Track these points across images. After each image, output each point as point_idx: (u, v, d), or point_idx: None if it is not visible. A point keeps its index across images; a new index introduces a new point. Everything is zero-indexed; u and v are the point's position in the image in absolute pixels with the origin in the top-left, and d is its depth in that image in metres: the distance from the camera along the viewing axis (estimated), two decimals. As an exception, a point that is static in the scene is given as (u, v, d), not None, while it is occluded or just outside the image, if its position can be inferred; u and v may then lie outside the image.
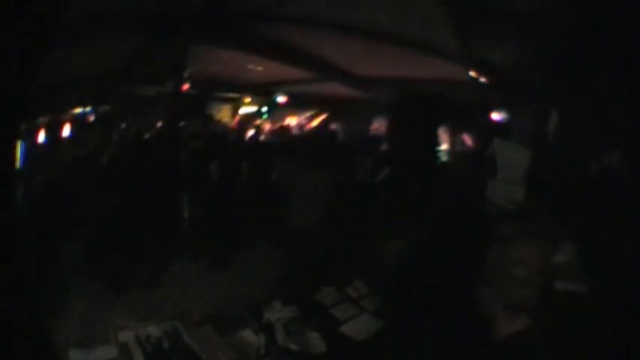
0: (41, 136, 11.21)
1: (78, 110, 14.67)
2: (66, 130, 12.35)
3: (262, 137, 12.23)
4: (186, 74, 11.90)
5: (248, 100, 19.52)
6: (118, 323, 3.79)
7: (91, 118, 14.79)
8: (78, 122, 13.34)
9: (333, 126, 15.17)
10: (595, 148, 5.66)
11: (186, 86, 12.02)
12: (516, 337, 2.29)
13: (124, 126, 14.05)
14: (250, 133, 13.59)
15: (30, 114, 11.27)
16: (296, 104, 19.42)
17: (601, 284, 4.31)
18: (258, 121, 16.58)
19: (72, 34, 8.71)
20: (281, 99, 18.58)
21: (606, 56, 5.40)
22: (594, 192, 5.60)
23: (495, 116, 11.70)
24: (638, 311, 3.58)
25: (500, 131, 9.88)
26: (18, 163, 8.48)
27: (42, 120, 11.97)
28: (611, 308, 4.07)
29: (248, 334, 4.03)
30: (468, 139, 12.55)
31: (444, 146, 13.09)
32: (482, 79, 9.55)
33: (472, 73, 9.65)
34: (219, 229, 9.23)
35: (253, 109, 19.65)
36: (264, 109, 19.53)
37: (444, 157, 12.34)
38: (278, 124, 15.67)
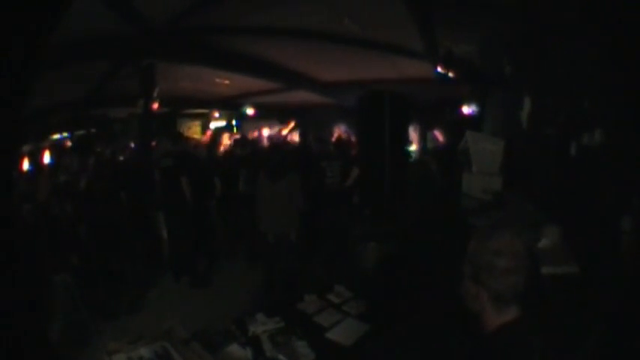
0: (25, 165, 11.18)
1: (56, 136, 14.67)
2: (46, 157, 12.35)
3: (232, 150, 12.17)
4: (155, 93, 11.84)
5: (217, 114, 19.56)
6: (111, 347, 3.75)
7: (68, 143, 14.80)
8: (56, 148, 13.34)
9: (302, 133, 15.19)
10: (573, 130, 5.67)
11: (155, 105, 11.95)
12: (505, 327, 2.28)
13: (99, 149, 14.04)
14: (221, 147, 13.56)
15: (15, 143, 11.20)
16: (264, 115, 19.50)
17: (589, 264, 4.32)
18: (228, 135, 16.59)
19: (43, 62, 8.70)
20: (249, 111, 18.62)
21: (578, 39, 5.45)
22: (576, 173, 5.62)
23: (465, 110, 11.76)
24: (627, 290, 3.61)
25: (471, 124, 9.92)
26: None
27: (25, 148, 11.95)
28: (600, 288, 4.09)
29: (235, 349, 4.00)
30: (439, 135, 12.60)
31: (414, 144, 13.14)
32: (450, 73, 9.57)
33: (439, 69, 9.66)
34: (198, 246, 9.19)
35: (223, 123, 19.69)
36: (234, 122, 19.58)
37: (415, 155, 12.38)
38: (248, 136, 15.67)
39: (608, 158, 4.87)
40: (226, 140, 14.68)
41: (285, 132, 17.59)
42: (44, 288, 7.58)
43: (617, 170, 4.58)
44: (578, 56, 5.49)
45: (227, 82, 15.25)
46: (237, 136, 15.44)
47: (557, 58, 6.33)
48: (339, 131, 14.14)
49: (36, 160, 11.95)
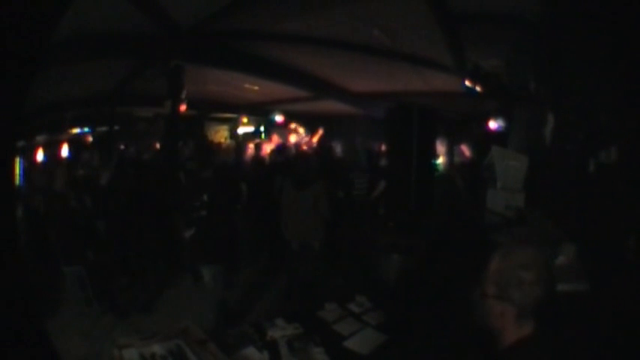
0: (39, 155, 11.24)
1: (76, 130, 14.69)
2: (64, 150, 12.39)
3: (260, 157, 12.19)
4: (183, 95, 11.87)
5: (245, 119, 19.58)
6: (122, 342, 3.74)
7: (89, 138, 14.82)
8: (76, 142, 13.37)
9: (330, 143, 15.17)
10: (591, 147, 5.66)
11: (183, 107, 11.98)
12: (523, 342, 2.27)
13: (122, 147, 14.07)
14: (248, 153, 13.58)
15: (29, 132, 11.29)
16: (293, 123, 19.50)
17: (602, 283, 4.31)
18: (255, 141, 16.61)
19: (68, 53, 8.77)
20: (278, 118, 18.63)
21: (599, 56, 5.43)
22: (593, 191, 5.60)
23: (492, 125, 11.71)
24: (630, 309, 3.58)
25: (497, 139, 9.88)
26: (17, 180, 8.54)
27: (40, 139, 12.00)
28: (612, 307, 4.06)
29: (252, 352, 3.99)
30: (465, 150, 12.57)
31: (441, 158, 13.11)
32: (478, 88, 9.55)
33: (467, 83, 9.65)
34: (220, 249, 9.18)
35: (250, 128, 19.71)
36: (262, 128, 19.60)
37: (442, 169, 12.35)
38: (275, 143, 15.67)
39: (621, 176, 4.86)
40: (253, 146, 14.69)
41: (312, 141, 17.55)
42: (53, 279, 7.63)
43: (630, 189, 4.57)
44: (598, 74, 5.48)
45: (256, 88, 15.28)
46: (269, 143, 15.49)
47: (578, 76, 6.33)
48: (368, 142, 14.11)
49: (52, 152, 12.01)
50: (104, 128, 15.78)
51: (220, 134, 19.68)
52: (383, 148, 12.34)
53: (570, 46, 6.54)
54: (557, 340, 2.45)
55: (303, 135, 19.28)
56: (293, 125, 19.28)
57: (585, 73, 6.01)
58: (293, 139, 18.56)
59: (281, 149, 12.39)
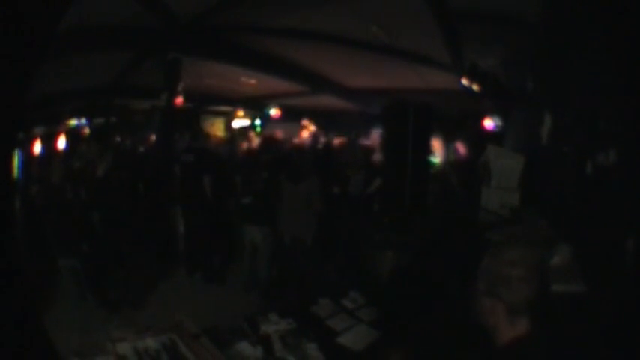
0: (37, 147, 11.20)
1: (73, 122, 14.61)
2: (61, 142, 12.33)
3: (255, 150, 12.11)
4: (179, 87, 11.85)
5: (241, 113, 19.53)
6: (115, 335, 3.73)
7: (86, 130, 14.74)
8: (73, 134, 13.31)
9: (325, 138, 15.14)
10: (589, 148, 5.65)
11: (179, 99, 11.96)
12: (518, 341, 2.29)
13: (118, 139, 14.02)
14: (243, 146, 13.54)
15: (26, 124, 11.25)
16: (289, 116, 19.44)
17: (598, 284, 4.32)
18: (251, 134, 16.57)
19: (66, 46, 8.75)
20: (274, 112, 18.58)
21: (597, 56, 5.43)
22: (590, 192, 5.61)
23: (488, 123, 11.71)
24: (636, 310, 3.59)
25: (493, 138, 9.88)
26: (16, 173, 8.52)
27: (38, 131, 11.94)
28: (609, 307, 4.08)
29: (245, 346, 4.00)
30: (461, 148, 12.55)
31: (437, 155, 13.09)
32: (475, 86, 9.54)
33: (464, 81, 9.63)
34: (214, 243, 9.17)
35: (246, 121, 19.66)
36: (257, 121, 19.54)
37: (437, 167, 12.34)
38: (270, 137, 15.63)
39: (620, 178, 4.87)
40: (249, 139, 14.69)
41: (307, 135, 17.53)
42: (50, 272, 7.62)
43: (628, 191, 4.58)
44: (596, 75, 5.48)
45: (253, 81, 15.26)
46: (264, 137, 15.44)
47: (577, 76, 6.33)
48: (364, 138, 14.08)
49: (50, 144, 11.96)
50: (101, 120, 15.73)
51: (216, 127, 19.65)
52: (377, 143, 12.35)
53: (568, 46, 6.55)
54: (553, 340, 2.47)
55: (299, 129, 19.24)
56: (306, 122, 19.22)
57: (583, 73, 6.01)
58: (286, 133, 18.52)
59: (272, 144, 12.35)
